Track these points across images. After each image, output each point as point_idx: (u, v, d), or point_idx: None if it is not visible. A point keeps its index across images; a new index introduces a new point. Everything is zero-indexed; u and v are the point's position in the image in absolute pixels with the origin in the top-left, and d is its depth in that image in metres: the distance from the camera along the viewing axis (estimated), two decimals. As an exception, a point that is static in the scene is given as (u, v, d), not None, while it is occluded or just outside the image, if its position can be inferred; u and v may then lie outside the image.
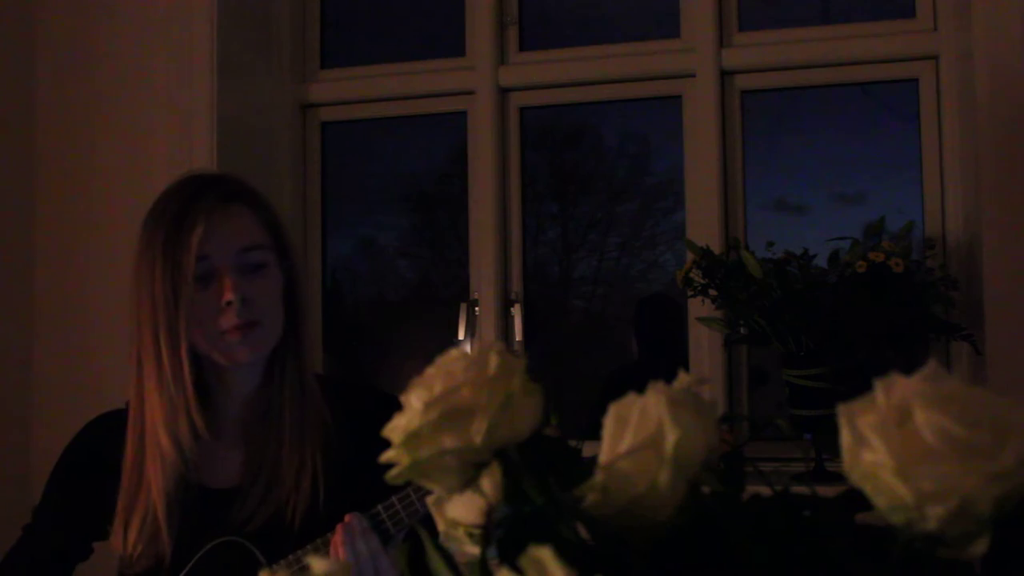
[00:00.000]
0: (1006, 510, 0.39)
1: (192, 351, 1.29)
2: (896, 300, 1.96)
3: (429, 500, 0.54)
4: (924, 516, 0.40)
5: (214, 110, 2.36)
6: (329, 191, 2.67)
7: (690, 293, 2.13)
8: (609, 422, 0.48)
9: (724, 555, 0.44)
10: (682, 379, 0.50)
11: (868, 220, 2.17)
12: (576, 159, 2.69)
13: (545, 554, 0.39)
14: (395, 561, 1.25)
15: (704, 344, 2.33)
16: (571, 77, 2.49)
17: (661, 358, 2.52)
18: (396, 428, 0.48)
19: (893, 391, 0.41)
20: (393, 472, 0.48)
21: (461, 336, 2.47)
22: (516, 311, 2.48)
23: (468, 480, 0.49)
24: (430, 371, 0.50)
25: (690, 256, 2.13)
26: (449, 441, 0.47)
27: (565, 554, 0.38)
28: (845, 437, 0.42)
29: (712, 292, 2.09)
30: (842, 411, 0.42)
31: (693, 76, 2.41)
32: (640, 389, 0.48)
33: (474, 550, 0.49)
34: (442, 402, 0.47)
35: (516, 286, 2.50)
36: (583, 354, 2.66)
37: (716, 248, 2.20)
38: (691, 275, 2.09)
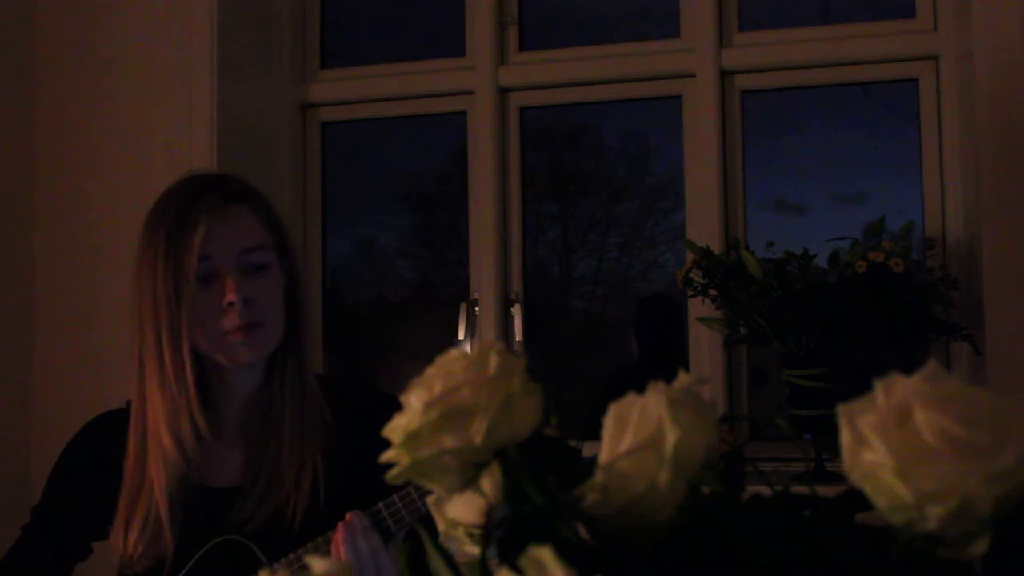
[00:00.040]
0: (1006, 510, 0.39)
1: (194, 351, 1.29)
2: (896, 300, 1.96)
3: (429, 500, 0.54)
4: (924, 516, 0.40)
5: (214, 110, 2.36)
6: (329, 191, 2.67)
7: (690, 293, 2.13)
8: (609, 422, 0.48)
9: (724, 555, 0.44)
10: (682, 379, 0.50)
11: (868, 220, 2.17)
12: (576, 159, 2.69)
13: (545, 554, 0.39)
14: (396, 559, 1.25)
15: (704, 344, 2.33)
16: (571, 77, 2.49)
17: (661, 358, 2.52)
18: (396, 428, 0.48)
19: (893, 391, 0.41)
20: (393, 472, 0.48)
21: (461, 336, 2.47)
22: (516, 311, 2.48)
23: (468, 480, 0.49)
24: (430, 371, 0.50)
25: (690, 256, 2.13)
26: (449, 441, 0.47)
27: (565, 554, 0.38)
28: (845, 437, 0.42)
29: (712, 292, 2.09)
30: (842, 411, 0.42)
31: (693, 76, 2.41)
32: (640, 389, 0.48)
33: (474, 550, 0.49)
34: (442, 402, 0.47)
35: (516, 286, 2.50)
36: (583, 354, 2.66)
37: (716, 248, 2.20)
38: (691, 275, 2.10)
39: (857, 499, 0.43)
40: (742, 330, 2.10)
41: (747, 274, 2.01)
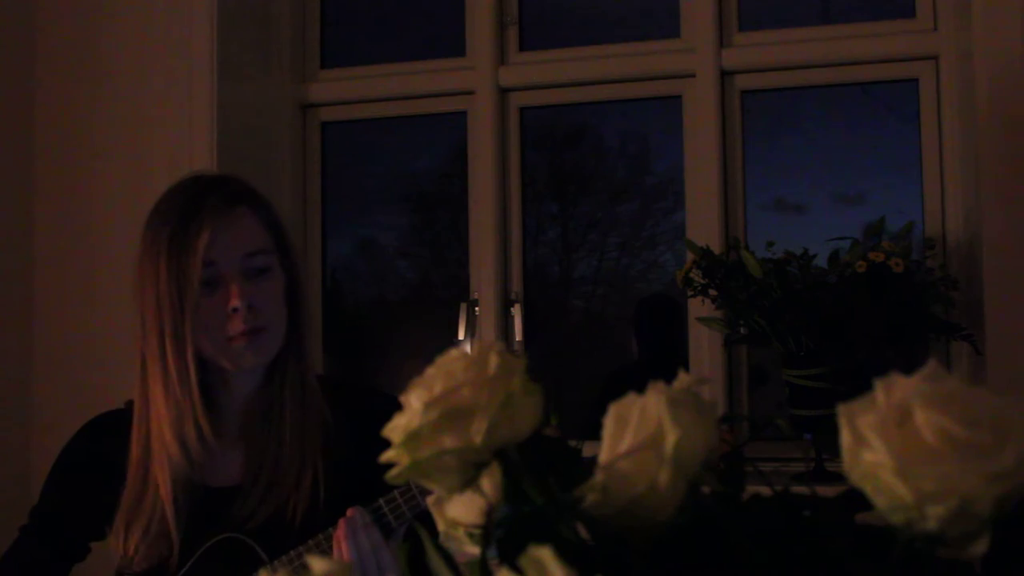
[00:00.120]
0: (1006, 510, 0.39)
1: (197, 355, 1.30)
2: (896, 300, 1.96)
3: (429, 499, 0.54)
4: (924, 516, 0.40)
5: (214, 110, 2.36)
6: (329, 191, 2.67)
7: (690, 293, 2.13)
8: (609, 422, 0.48)
9: (724, 555, 0.44)
10: (682, 379, 0.50)
11: (868, 220, 2.18)
12: (576, 159, 2.69)
13: (545, 554, 0.39)
14: (397, 555, 1.25)
15: (704, 344, 2.33)
16: (571, 77, 2.49)
17: (661, 358, 2.52)
18: (396, 428, 0.48)
19: (893, 391, 0.41)
20: (393, 472, 0.48)
21: (461, 336, 2.47)
22: (516, 311, 2.48)
23: (468, 480, 0.49)
24: (430, 371, 0.50)
25: (690, 256, 2.13)
26: (449, 441, 0.47)
27: (565, 554, 0.38)
28: (845, 437, 0.42)
29: (712, 292, 2.09)
30: (842, 411, 0.42)
31: (693, 76, 2.41)
32: (640, 389, 0.48)
33: (474, 550, 0.49)
34: (442, 402, 0.47)
35: (516, 286, 2.50)
36: (583, 354, 2.66)
37: (716, 248, 2.20)
38: (691, 275, 2.10)
39: (857, 499, 0.43)
40: (742, 330, 2.10)
41: (747, 274, 2.01)
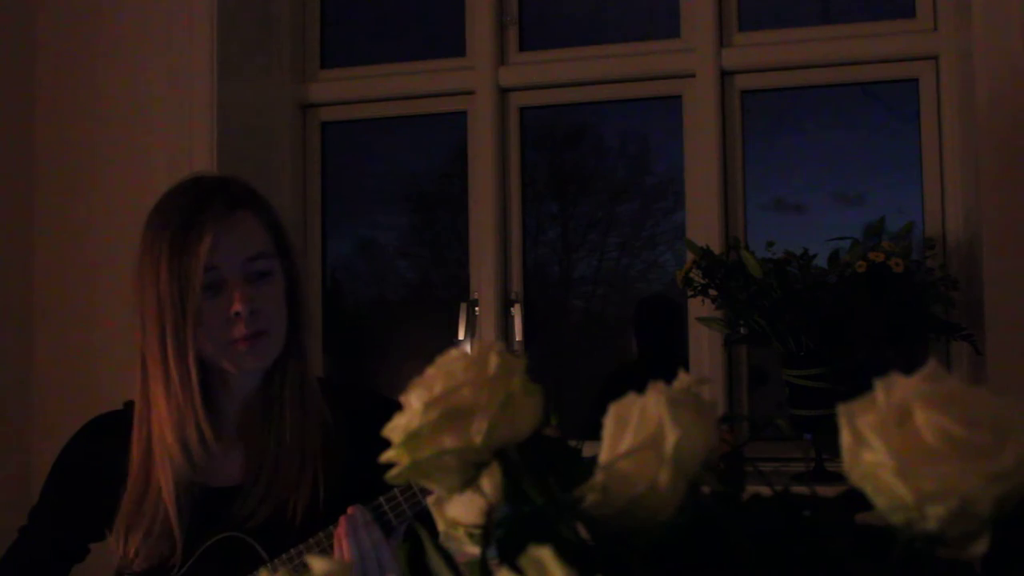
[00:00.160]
0: (1006, 510, 0.39)
1: (198, 358, 1.30)
2: (896, 300, 1.96)
3: (429, 499, 0.54)
4: (924, 516, 0.40)
5: (214, 110, 2.36)
6: (329, 191, 2.67)
7: (690, 293, 2.13)
8: (609, 422, 0.48)
9: (724, 555, 0.44)
10: (682, 379, 0.50)
11: (868, 220, 2.18)
12: (576, 159, 2.69)
13: (545, 554, 0.39)
14: (397, 553, 1.26)
15: (704, 344, 2.33)
16: (571, 77, 2.49)
17: (661, 358, 2.52)
18: (396, 428, 0.48)
19: (893, 391, 0.41)
20: (393, 472, 0.48)
21: (461, 336, 2.47)
22: (516, 311, 2.48)
23: (468, 480, 0.49)
24: (430, 371, 0.50)
25: (690, 256, 2.13)
26: (449, 441, 0.47)
27: (565, 554, 0.38)
28: (845, 437, 0.42)
29: (712, 292, 2.09)
30: (842, 411, 0.42)
31: (693, 76, 2.41)
32: (640, 389, 0.48)
33: (474, 550, 0.49)
34: (442, 402, 0.47)
35: (516, 286, 2.50)
36: (583, 354, 2.66)
37: (716, 248, 2.20)
38: (691, 275, 2.10)
39: (857, 499, 0.43)
40: (742, 330, 2.10)
41: (747, 274, 2.01)
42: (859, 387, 0.42)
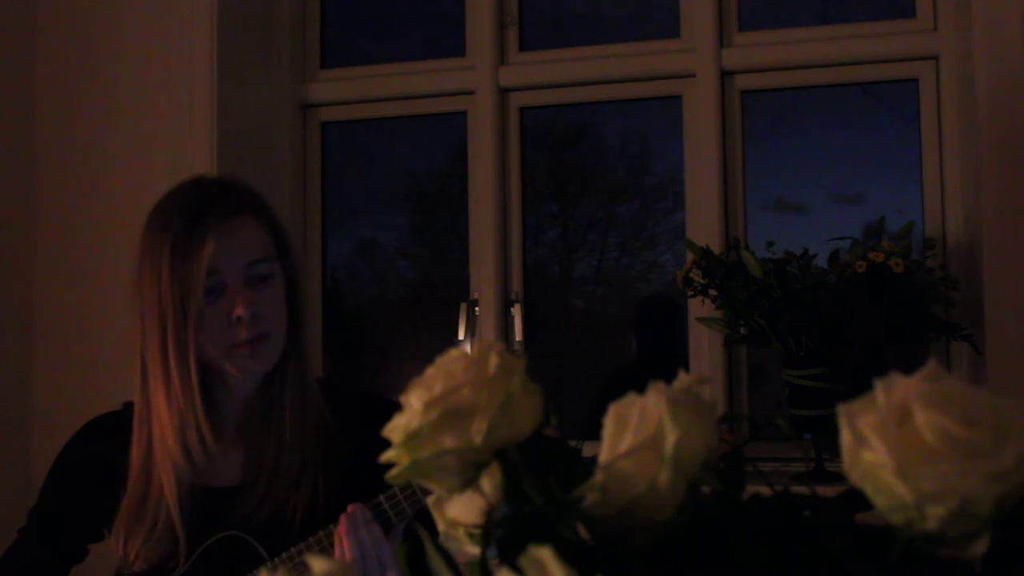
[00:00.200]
0: (1006, 510, 0.39)
1: (199, 361, 1.30)
2: (896, 300, 1.96)
3: (429, 500, 0.54)
4: (924, 516, 0.40)
5: (214, 110, 2.36)
6: (329, 191, 2.67)
7: (690, 293, 2.13)
8: (609, 422, 0.48)
9: (724, 555, 0.44)
10: (682, 379, 0.50)
11: (868, 220, 2.18)
12: (576, 159, 2.69)
13: (545, 554, 0.39)
14: (397, 551, 1.26)
15: (704, 344, 2.33)
16: (571, 77, 2.49)
17: (661, 358, 2.52)
18: (396, 428, 0.48)
19: (893, 391, 0.41)
20: (393, 472, 0.48)
21: (461, 336, 2.47)
22: (516, 311, 2.48)
23: (468, 480, 0.49)
24: (430, 371, 0.50)
25: (690, 256, 2.13)
26: (449, 441, 0.47)
27: (565, 554, 0.38)
28: (845, 437, 0.42)
29: (712, 292, 2.09)
30: (842, 411, 0.42)
31: (693, 76, 2.41)
32: (640, 389, 0.48)
33: (474, 550, 0.49)
34: (442, 402, 0.47)
35: (516, 286, 2.50)
36: (583, 354, 2.66)
37: (716, 248, 2.20)
38: (691, 275, 2.10)
39: (857, 499, 0.43)
40: (742, 330, 2.10)
41: (747, 274, 2.01)
42: (859, 387, 0.42)
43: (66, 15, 2.48)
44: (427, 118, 2.65)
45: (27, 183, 2.47)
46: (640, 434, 0.46)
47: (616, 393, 0.49)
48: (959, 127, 2.22)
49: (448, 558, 0.49)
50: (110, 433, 1.38)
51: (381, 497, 1.29)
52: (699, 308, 2.23)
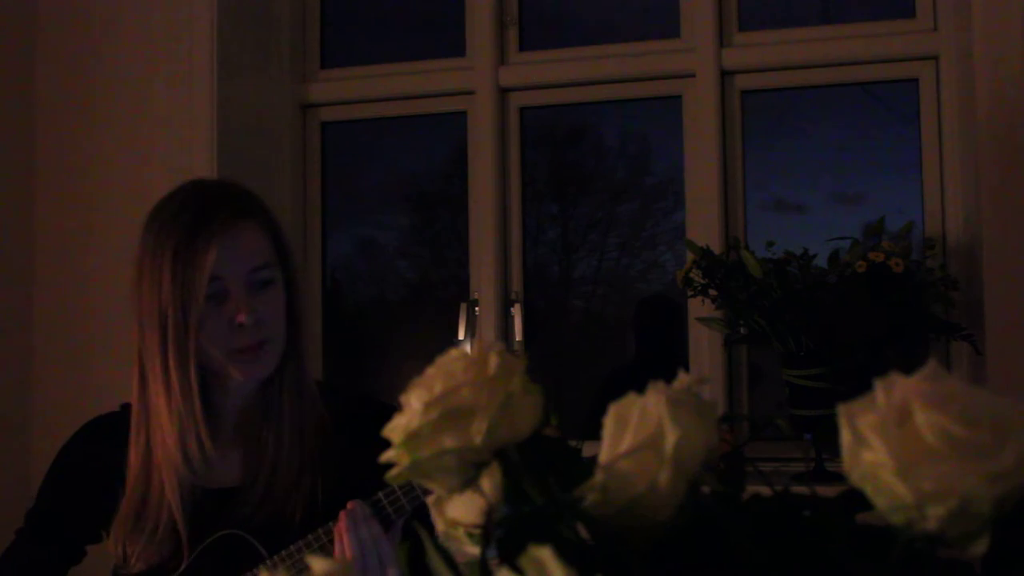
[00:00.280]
0: (1006, 510, 0.39)
1: (199, 366, 1.30)
2: (896, 300, 1.96)
3: (429, 500, 0.54)
4: (924, 516, 0.40)
5: (214, 110, 2.36)
6: (329, 191, 2.67)
7: (690, 293, 2.13)
8: (609, 422, 0.48)
9: (724, 555, 0.44)
10: (682, 379, 0.50)
11: (868, 220, 2.18)
12: (576, 159, 2.69)
13: (545, 554, 0.39)
14: (396, 547, 1.26)
15: (704, 344, 2.33)
16: (571, 77, 2.49)
17: (661, 358, 2.52)
18: (396, 428, 0.48)
19: (893, 391, 0.41)
20: (393, 472, 0.48)
21: (461, 336, 2.46)
22: (516, 311, 2.48)
23: (468, 480, 0.49)
24: (430, 371, 0.50)
25: (690, 256, 2.13)
26: (449, 441, 0.47)
27: (565, 554, 0.38)
28: (845, 437, 0.42)
29: (712, 292, 2.09)
30: (842, 411, 0.42)
31: (693, 76, 2.41)
32: (640, 389, 0.48)
33: (474, 550, 0.49)
34: (442, 402, 0.47)
35: (516, 286, 2.50)
36: (583, 354, 2.66)
37: (716, 248, 2.20)
38: (691, 275, 2.10)
39: (857, 499, 0.43)
40: (742, 330, 2.10)
41: (747, 274, 2.01)
42: (859, 387, 0.42)
43: (66, 15, 2.48)
44: (427, 118, 2.65)
45: (27, 183, 2.47)
46: (640, 434, 0.46)
47: (616, 393, 0.49)
48: (959, 127, 2.22)
49: (448, 558, 0.49)
50: (108, 435, 1.38)
51: (380, 494, 1.29)
52: (699, 308, 2.23)
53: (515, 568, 0.39)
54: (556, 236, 2.64)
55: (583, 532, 0.45)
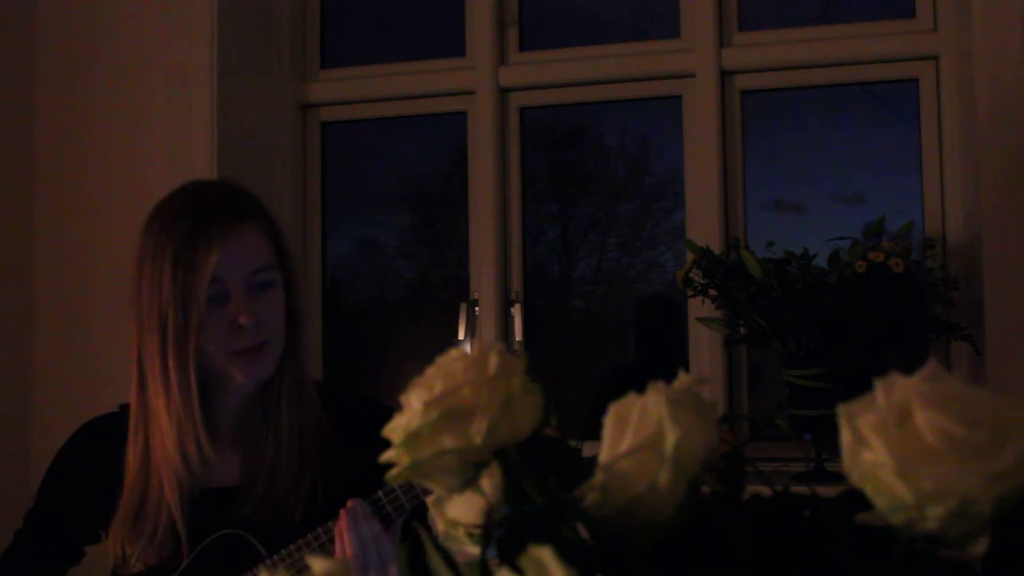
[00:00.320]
0: (1006, 510, 0.39)
1: (197, 365, 1.30)
2: (896, 300, 1.96)
3: (429, 500, 0.54)
4: (924, 516, 0.40)
5: (214, 110, 2.36)
6: (329, 191, 2.67)
7: (690, 293, 2.13)
8: (609, 422, 0.48)
9: (724, 555, 0.44)
10: (682, 379, 0.50)
11: (868, 220, 2.17)
12: (576, 159, 2.69)
13: (545, 554, 0.39)
14: (396, 545, 1.27)
15: (704, 344, 2.33)
16: (571, 77, 2.49)
17: (661, 358, 2.52)
18: (396, 428, 0.48)
19: (893, 391, 0.41)
20: (393, 472, 0.48)
21: (461, 336, 2.46)
22: (516, 311, 2.48)
23: (468, 480, 0.49)
24: (430, 371, 0.50)
25: (690, 256, 2.13)
26: (449, 441, 0.47)
27: (565, 554, 0.38)
28: (845, 437, 0.42)
29: (712, 292, 2.09)
30: (842, 411, 0.42)
31: (693, 76, 2.41)
32: (640, 389, 0.48)
33: (474, 550, 0.49)
34: (442, 402, 0.47)
35: (516, 286, 2.50)
36: (583, 354, 2.66)
37: (716, 248, 2.20)
38: (691, 275, 2.10)
39: (857, 499, 0.43)
40: (742, 330, 2.10)
41: (747, 274, 2.01)
42: (859, 387, 0.42)
43: (66, 15, 2.48)
44: (427, 118, 2.65)
45: (27, 183, 2.47)
46: (640, 434, 0.46)
47: (616, 393, 0.49)
48: (959, 127, 2.21)
49: (448, 558, 0.49)
50: (106, 435, 1.38)
51: (380, 492, 1.29)
52: (699, 308, 2.23)
53: (515, 568, 0.39)
54: (556, 236, 2.64)
55: (583, 532, 0.45)
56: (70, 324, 2.42)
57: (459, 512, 0.52)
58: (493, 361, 0.48)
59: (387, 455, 0.49)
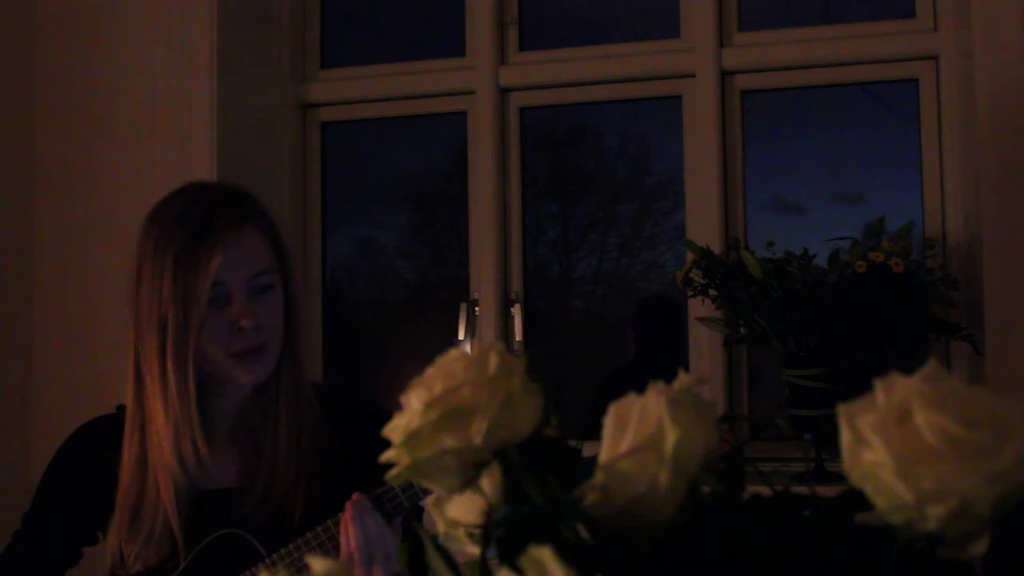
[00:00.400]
0: (1006, 510, 0.39)
1: (196, 367, 1.30)
2: (896, 300, 1.96)
3: (429, 500, 0.54)
4: (924, 516, 0.40)
5: (214, 111, 2.36)
6: (329, 191, 2.67)
7: (690, 293, 2.13)
8: (609, 422, 0.48)
9: (724, 555, 0.44)
10: (682, 379, 0.50)
11: (868, 220, 2.17)
12: (576, 159, 2.69)
13: (545, 554, 0.39)
14: (398, 542, 1.27)
15: (704, 344, 2.33)
16: (571, 77, 2.49)
17: (661, 358, 2.52)
18: (396, 428, 0.48)
19: (893, 391, 0.41)
20: (393, 472, 0.48)
21: (461, 336, 2.46)
22: (516, 311, 2.48)
23: (468, 480, 0.49)
24: (430, 371, 0.50)
25: (690, 256, 2.13)
26: (449, 441, 0.47)
27: (565, 554, 0.38)
28: (845, 437, 0.42)
29: (712, 292, 2.09)
30: (842, 411, 0.42)
31: (693, 76, 2.41)
32: (640, 389, 0.48)
33: (474, 550, 0.49)
34: (442, 402, 0.47)
35: (516, 286, 2.50)
36: (583, 354, 2.66)
37: (716, 248, 2.20)
38: (691, 275, 2.10)
39: (857, 499, 0.43)
40: (742, 330, 2.10)
41: (747, 274, 2.01)
42: (859, 387, 0.42)
43: (66, 15, 2.48)
44: (427, 118, 2.65)
45: (27, 183, 2.47)
46: (640, 434, 0.46)
47: (616, 393, 0.49)
48: (959, 127, 2.21)
49: (448, 558, 0.49)
50: (104, 436, 1.38)
51: (380, 491, 1.29)
52: (699, 308, 2.23)
53: (515, 568, 0.39)
54: (556, 236, 2.64)
55: (583, 532, 0.45)
56: (70, 324, 2.42)
57: (459, 512, 0.52)
58: (493, 361, 0.48)
59: (387, 455, 0.49)
